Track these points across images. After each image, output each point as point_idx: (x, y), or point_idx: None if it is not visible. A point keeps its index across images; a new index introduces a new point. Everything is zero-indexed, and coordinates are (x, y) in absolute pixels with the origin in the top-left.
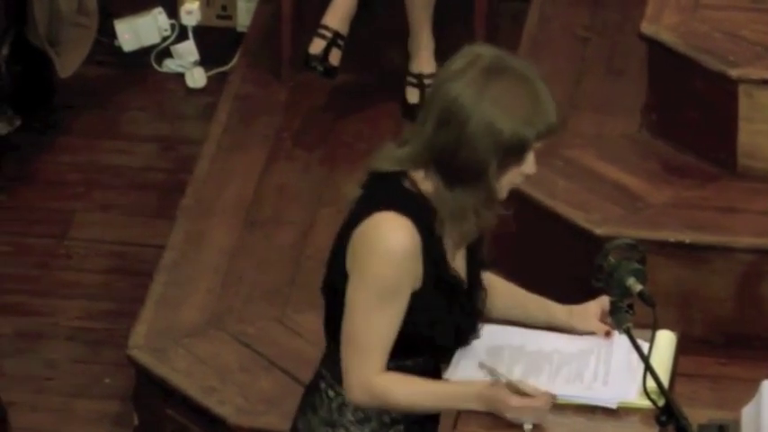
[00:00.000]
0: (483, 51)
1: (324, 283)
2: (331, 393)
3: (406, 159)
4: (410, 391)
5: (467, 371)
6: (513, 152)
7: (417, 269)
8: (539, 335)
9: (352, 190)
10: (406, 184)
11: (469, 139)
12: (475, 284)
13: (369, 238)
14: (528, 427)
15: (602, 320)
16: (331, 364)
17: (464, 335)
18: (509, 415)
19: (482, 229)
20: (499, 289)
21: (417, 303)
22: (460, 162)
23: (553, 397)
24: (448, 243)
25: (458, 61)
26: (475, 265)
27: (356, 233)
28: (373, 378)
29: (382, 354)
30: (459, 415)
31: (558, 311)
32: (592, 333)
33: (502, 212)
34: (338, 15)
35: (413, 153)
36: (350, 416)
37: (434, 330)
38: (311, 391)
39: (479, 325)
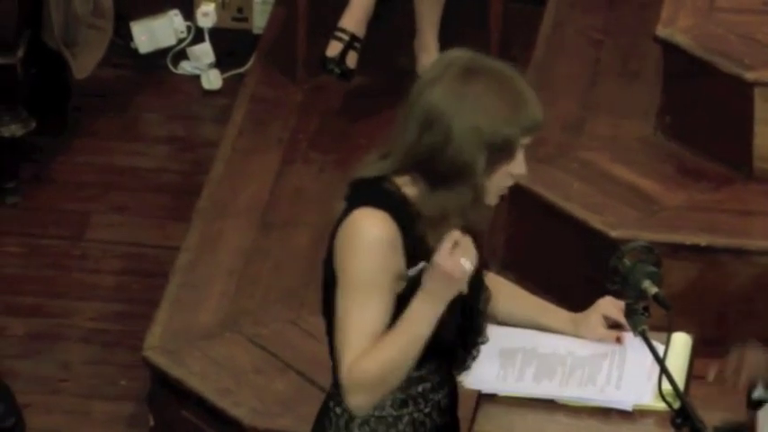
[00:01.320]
0: (458, 55)
1: (322, 303)
2: (338, 410)
3: (387, 168)
4: (381, 352)
5: (483, 369)
6: (500, 151)
7: (398, 262)
8: (553, 337)
9: (338, 206)
10: (387, 185)
11: (454, 140)
12: (475, 284)
13: (346, 234)
14: (468, 265)
15: (609, 326)
16: (337, 382)
17: (467, 335)
18: (453, 272)
19: (474, 229)
20: (503, 292)
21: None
22: (447, 163)
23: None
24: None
25: (434, 68)
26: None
27: (337, 237)
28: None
29: (363, 347)
30: (475, 418)
31: (564, 322)
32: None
33: (489, 214)
34: (355, 18)
35: (395, 161)
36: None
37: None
38: (322, 411)
39: (484, 326)
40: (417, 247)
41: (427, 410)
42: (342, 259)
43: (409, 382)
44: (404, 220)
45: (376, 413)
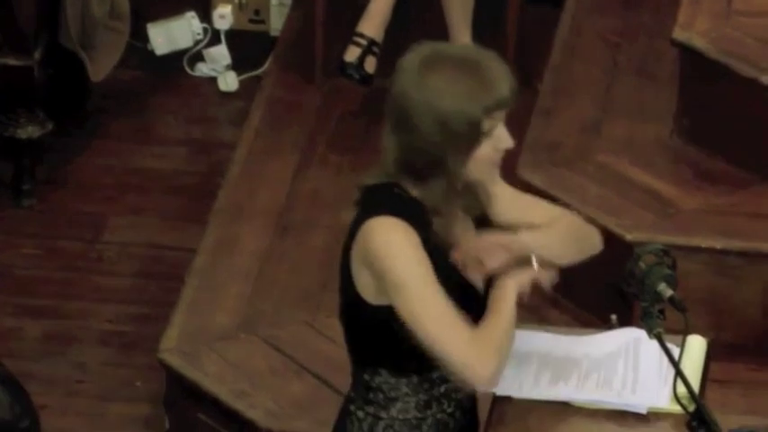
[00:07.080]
0: (420, 48)
1: (340, 309)
2: (360, 414)
3: (385, 169)
4: (496, 329)
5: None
6: (465, 134)
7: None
8: (566, 340)
9: (348, 214)
10: (397, 190)
11: (418, 131)
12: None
13: (376, 245)
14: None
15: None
16: (358, 386)
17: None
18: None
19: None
20: None
21: None
22: (419, 157)
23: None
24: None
25: (398, 67)
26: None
27: (355, 248)
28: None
29: (461, 325)
30: (490, 420)
31: None
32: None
33: (484, 195)
34: (373, 23)
35: (386, 161)
36: None
37: None
38: (342, 416)
39: None
40: (438, 254)
41: (450, 410)
42: (384, 269)
43: (431, 383)
44: (420, 224)
45: (400, 416)
